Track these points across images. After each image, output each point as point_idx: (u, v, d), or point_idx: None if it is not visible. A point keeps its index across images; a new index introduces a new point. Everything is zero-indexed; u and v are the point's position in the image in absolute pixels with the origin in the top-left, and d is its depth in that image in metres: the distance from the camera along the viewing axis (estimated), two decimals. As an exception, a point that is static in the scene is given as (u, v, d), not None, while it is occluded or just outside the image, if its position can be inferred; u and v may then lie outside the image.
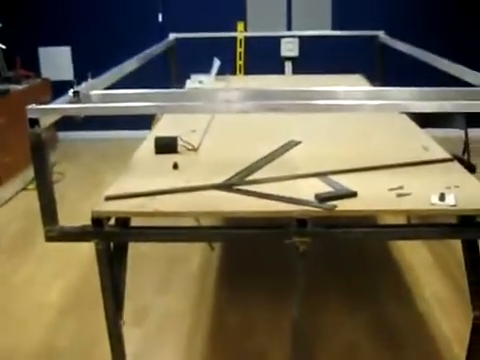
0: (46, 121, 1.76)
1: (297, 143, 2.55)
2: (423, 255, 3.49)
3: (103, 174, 4.81)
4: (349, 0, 5.88)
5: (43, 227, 1.85)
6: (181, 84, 4.19)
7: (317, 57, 5.84)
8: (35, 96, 5.00)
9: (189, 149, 2.41)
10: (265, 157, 2.34)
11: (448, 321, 2.81)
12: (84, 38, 5.94)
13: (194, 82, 4.00)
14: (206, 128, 2.77)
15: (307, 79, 4.31)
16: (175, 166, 2.20)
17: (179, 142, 2.41)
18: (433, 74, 3.04)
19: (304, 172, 2.17)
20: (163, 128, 2.83)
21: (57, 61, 5.93)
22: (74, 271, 3.37)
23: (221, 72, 4.23)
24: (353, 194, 1.95)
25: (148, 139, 2.62)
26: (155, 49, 3.58)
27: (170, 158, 2.33)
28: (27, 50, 5.83)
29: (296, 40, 5.82)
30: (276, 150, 2.44)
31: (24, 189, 4.73)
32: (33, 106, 1.74)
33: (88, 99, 2.01)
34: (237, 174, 2.14)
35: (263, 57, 5.82)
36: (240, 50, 5.95)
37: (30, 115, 1.72)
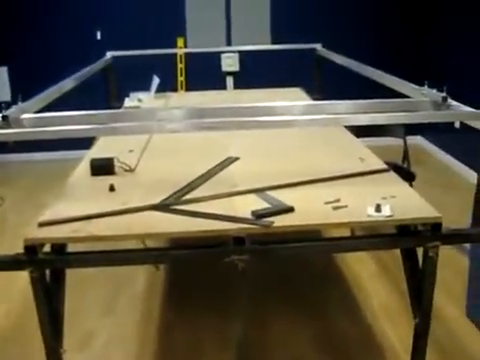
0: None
1: (235, 160, 2.55)
2: (368, 265, 3.54)
3: (43, 197, 4.68)
4: (287, 15, 5.96)
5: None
6: (120, 103, 4.16)
7: (258, 71, 5.89)
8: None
9: (126, 170, 2.38)
10: (202, 175, 2.34)
11: (395, 330, 2.85)
12: (21, 57, 5.82)
13: (133, 100, 3.97)
14: (143, 148, 2.74)
15: (247, 93, 4.35)
16: (111, 188, 2.17)
17: (115, 163, 2.38)
18: (370, 85, 3.11)
19: (242, 189, 2.17)
20: (100, 148, 2.79)
21: (-7, 82, 5.80)
22: (16, 295, 3.27)
23: (162, 89, 4.22)
24: (290, 209, 1.96)
25: (85, 160, 2.58)
26: (92, 68, 3.54)
27: (106, 180, 2.30)
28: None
29: (236, 55, 5.84)
30: (213, 168, 2.44)
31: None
32: None
33: (19, 123, 1.97)
34: (174, 193, 2.12)
35: (204, 72, 5.83)
36: (181, 66, 5.95)
37: None
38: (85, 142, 3.03)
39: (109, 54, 4.24)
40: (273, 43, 5.92)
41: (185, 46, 5.89)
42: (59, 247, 1.92)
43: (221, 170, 2.41)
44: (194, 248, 1.88)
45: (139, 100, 3.98)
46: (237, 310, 1.95)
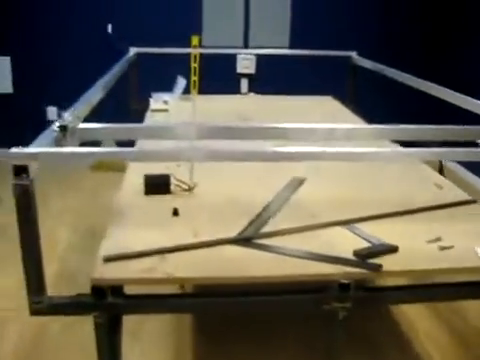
0: (36, 168, 1.40)
1: (302, 181, 2.26)
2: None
3: (49, 195, 4.39)
4: (308, 18, 5.67)
5: (27, 298, 1.48)
6: (140, 104, 3.86)
7: (274, 76, 5.61)
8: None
9: (184, 189, 2.07)
10: (274, 201, 2.04)
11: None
12: (25, 47, 5.44)
13: (158, 102, 3.65)
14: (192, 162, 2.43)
15: (278, 100, 4.05)
16: (175, 212, 1.87)
17: (172, 181, 2.07)
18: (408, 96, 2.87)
19: (322, 219, 1.89)
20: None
21: (-6, 73, 5.41)
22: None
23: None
24: (394, 249, 1.69)
25: (130, 173, 2.27)
26: (121, 66, 3.20)
27: (164, 201, 2.00)
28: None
29: (253, 57, 5.57)
30: (283, 191, 2.15)
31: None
32: (20, 149, 1.37)
33: (76, 135, 1.66)
34: (251, 224, 1.83)
35: (218, 73, 5.53)
36: (194, 65, 5.63)
37: (16, 161, 1.36)
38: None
39: (133, 50, 3.90)
40: (291, 47, 5.64)
41: (200, 44, 5.58)
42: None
43: (292, 194, 2.12)
44: (284, 293, 1.60)
45: (165, 102, 3.66)
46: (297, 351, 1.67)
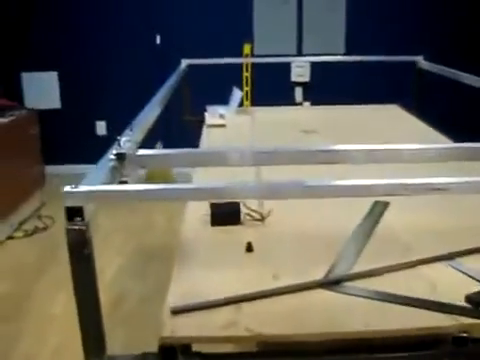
0: (92, 209, 1.17)
1: (386, 205, 1.99)
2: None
3: (103, 216, 4.25)
4: (363, 22, 5.38)
5: (85, 358, 1.25)
6: (194, 116, 3.67)
7: (330, 83, 5.35)
8: (22, 129, 4.39)
9: (256, 219, 1.83)
10: (358, 230, 1.78)
11: None
12: (72, 61, 5.32)
13: (214, 116, 3.43)
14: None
15: (337, 111, 3.77)
16: (249, 248, 1.63)
17: (242, 209, 1.83)
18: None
19: (419, 252, 1.62)
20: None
21: (42, 88, 5.29)
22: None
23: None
24: (513, 293, 1.40)
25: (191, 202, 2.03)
26: (175, 80, 2.99)
27: (233, 233, 1.76)
28: (8, 76, 5.19)
29: (308, 64, 5.30)
30: (367, 218, 1.88)
31: (10, 238, 4.07)
32: (73, 188, 1.15)
33: (135, 163, 1.44)
34: (337, 261, 1.57)
35: (271, 82, 5.27)
36: (246, 75, 5.40)
37: (69, 202, 1.14)
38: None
39: (184, 62, 3.70)
40: (347, 53, 5.36)
41: (252, 52, 5.34)
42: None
43: (377, 222, 1.86)
44: (381, 351, 1.33)
45: (221, 116, 3.44)
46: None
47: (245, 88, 5.43)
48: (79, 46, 5.29)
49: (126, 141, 1.43)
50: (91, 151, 6.00)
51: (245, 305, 1.35)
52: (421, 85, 3.88)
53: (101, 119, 5.45)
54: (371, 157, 1.48)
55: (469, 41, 5.40)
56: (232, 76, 5.03)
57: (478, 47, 5.35)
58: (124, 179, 1.36)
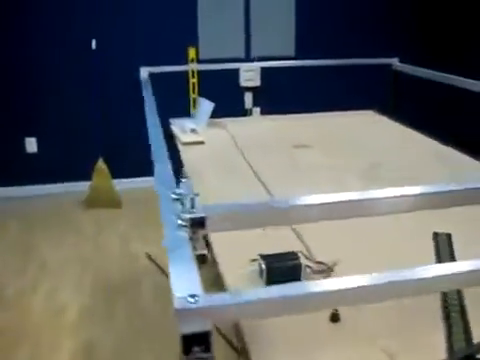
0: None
1: (449, 237, 1.70)
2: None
3: (42, 243, 3.79)
4: (313, 24, 5.14)
5: None
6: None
7: (282, 87, 5.06)
8: None
9: (319, 271, 1.47)
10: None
11: None
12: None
13: (185, 132, 3.03)
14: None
15: (313, 119, 3.46)
16: (334, 317, 1.27)
17: (304, 261, 1.46)
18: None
19: None
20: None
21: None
22: None
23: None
24: None
25: (219, 249, 1.64)
26: (150, 95, 2.56)
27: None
28: None
29: (258, 68, 4.97)
30: (443, 260, 1.57)
31: None
32: (191, 303, 0.75)
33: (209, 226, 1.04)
34: (450, 325, 1.25)
35: (218, 87, 4.89)
36: (193, 81, 5.00)
37: (189, 328, 0.73)
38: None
39: (144, 70, 3.26)
40: (296, 55, 5.09)
41: (197, 56, 4.95)
42: None
43: (454, 258, 1.55)
44: None
45: (193, 131, 3.04)
46: None
47: (192, 95, 5.05)
48: (4, 53, 4.69)
49: (193, 197, 1.02)
50: (20, 171, 5.44)
51: None
52: (397, 88, 3.66)
53: (31, 135, 4.88)
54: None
55: (428, 40, 5.28)
56: (177, 83, 4.64)
57: (438, 46, 5.23)
58: (201, 252, 0.97)
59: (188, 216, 0.97)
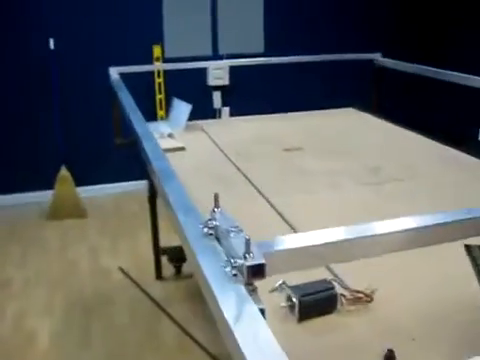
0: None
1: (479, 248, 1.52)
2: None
3: (10, 266, 3.45)
4: (281, 20, 4.94)
5: None
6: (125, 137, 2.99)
7: (252, 85, 4.86)
8: None
9: (356, 300, 1.25)
10: None
11: None
12: None
13: (163, 137, 2.78)
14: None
15: (293, 120, 3.26)
16: (390, 357, 1.06)
17: (339, 291, 1.25)
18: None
19: None
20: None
21: None
22: None
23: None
24: None
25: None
26: (129, 99, 2.31)
27: (338, 331, 1.18)
28: None
29: (227, 66, 4.75)
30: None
31: None
32: None
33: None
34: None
35: (185, 86, 4.64)
36: (159, 81, 4.75)
37: None
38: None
39: (114, 71, 3.00)
40: (266, 51, 4.88)
41: (162, 55, 4.70)
42: None
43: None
44: None
45: (170, 136, 2.80)
46: None
47: (158, 96, 4.79)
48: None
49: (248, 238, 0.79)
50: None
51: None
52: (380, 84, 3.50)
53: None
54: None
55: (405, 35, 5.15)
56: (139, 83, 4.37)
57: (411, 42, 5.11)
58: (260, 307, 0.74)
59: (245, 263, 0.74)
